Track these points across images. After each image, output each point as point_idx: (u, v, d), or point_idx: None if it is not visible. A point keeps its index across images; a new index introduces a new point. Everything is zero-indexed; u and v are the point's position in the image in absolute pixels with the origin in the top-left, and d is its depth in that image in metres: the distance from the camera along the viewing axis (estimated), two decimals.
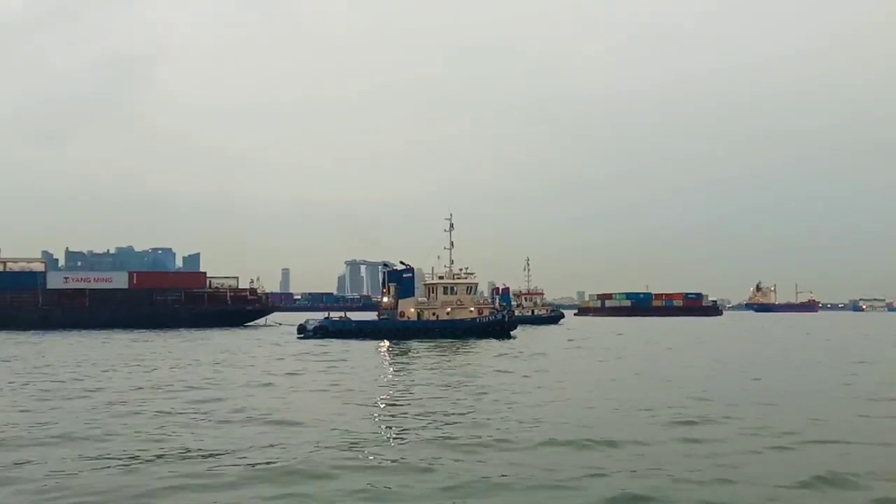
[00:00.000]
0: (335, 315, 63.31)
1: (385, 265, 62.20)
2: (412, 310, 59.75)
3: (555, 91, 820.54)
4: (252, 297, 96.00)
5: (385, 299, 61.84)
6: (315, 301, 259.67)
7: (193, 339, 58.26)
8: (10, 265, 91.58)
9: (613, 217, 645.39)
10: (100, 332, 69.24)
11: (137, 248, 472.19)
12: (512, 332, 62.37)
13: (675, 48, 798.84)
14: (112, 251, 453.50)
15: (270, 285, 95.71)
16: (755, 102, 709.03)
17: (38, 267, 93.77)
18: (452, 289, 60.43)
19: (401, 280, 60.66)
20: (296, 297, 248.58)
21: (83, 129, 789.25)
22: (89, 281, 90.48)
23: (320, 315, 65.88)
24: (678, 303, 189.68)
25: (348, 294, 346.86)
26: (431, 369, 32.97)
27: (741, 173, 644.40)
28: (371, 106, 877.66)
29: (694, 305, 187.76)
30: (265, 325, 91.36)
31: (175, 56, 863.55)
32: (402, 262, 60.96)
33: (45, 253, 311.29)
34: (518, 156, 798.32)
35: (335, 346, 49.74)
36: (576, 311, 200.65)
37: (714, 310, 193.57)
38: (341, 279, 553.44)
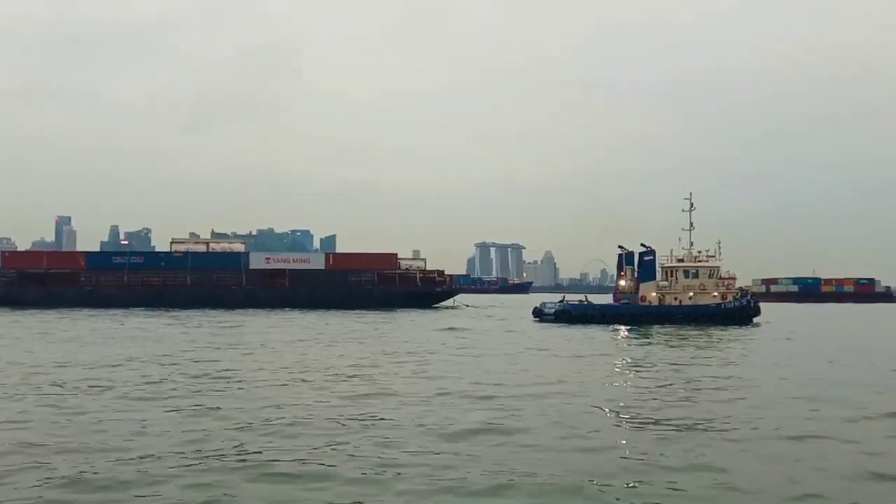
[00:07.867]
0: (571, 298, 61.01)
1: (621, 247, 59.55)
2: (654, 294, 56.89)
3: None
4: (440, 278, 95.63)
5: (622, 283, 59.31)
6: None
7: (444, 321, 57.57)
8: (212, 246, 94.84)
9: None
10: (308, 312, 69.82)
11: (277, 230, 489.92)
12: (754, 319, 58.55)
13: None
14: (254, 233, 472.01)
15: None
16: None
17: (239, 248, 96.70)
18: (695, 272, 57.14)
19: (641, 263, 57.97)
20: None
21: (226, 118, 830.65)
22: (289, 261, 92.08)
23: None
24: (849, 289, 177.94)
25: (483, 276, 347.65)
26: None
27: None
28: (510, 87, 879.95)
29: (865, 292, 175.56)
30: (453, 307, 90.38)
31: (314, 46, 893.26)
32: (642, 245, 58.24)
33: (192, 234, 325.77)
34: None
35: (597, 331, 47.40)
36: None
37: (888, 297, 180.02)
38: (471, 261, 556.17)
